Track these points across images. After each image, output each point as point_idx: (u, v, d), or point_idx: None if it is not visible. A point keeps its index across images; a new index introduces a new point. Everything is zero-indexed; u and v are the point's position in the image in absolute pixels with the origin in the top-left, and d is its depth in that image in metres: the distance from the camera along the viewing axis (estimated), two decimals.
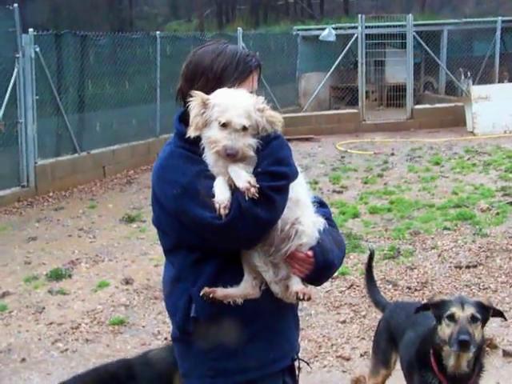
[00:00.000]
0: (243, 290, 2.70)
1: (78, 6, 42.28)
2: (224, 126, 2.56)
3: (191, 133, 2.62)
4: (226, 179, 2.59)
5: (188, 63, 2.83)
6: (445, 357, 3.77)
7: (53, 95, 13.04)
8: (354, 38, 19.92)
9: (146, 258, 8.72)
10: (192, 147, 2.68)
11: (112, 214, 11.00)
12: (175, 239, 2.78)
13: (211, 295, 2.65)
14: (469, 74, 22.51)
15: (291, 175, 2.63)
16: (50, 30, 14.11)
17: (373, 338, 4.89)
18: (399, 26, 21.14)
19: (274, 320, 2.82)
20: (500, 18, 21.70)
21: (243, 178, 2.54)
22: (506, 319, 4.19)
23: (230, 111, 2.56)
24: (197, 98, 2.62)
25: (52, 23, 32.25)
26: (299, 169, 2.72)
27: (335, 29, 20.81)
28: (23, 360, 6.07)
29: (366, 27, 20.10)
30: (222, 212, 2.52)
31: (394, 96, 22.09)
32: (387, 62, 23.00)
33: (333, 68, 20.57)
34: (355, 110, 20.15)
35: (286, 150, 2.66)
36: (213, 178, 2.62)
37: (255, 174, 2.58)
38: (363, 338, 6.24)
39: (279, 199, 2.58)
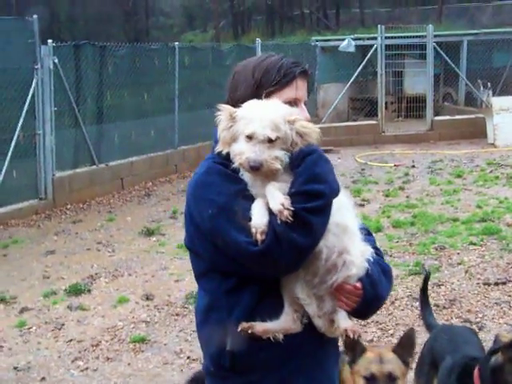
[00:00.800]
0: (284, 323, 2.50)
1: (94, 16, 42.51)
2: (249, 138, 2.39)
3: (220, 149, 2.47)
4: (265, 201, 2.40)
5: (233, 73, 2.69)
6: None
7: (71, 106, 12.95)
8: (373, 49, 19.76)
9: (166, 273, 8.57)
10: (231, 164, 2.50)
11: (130, 227, 10.87)
12: (209, 263, 2.58)
13: (250, 330, 2.46)
14: (489, 84, 22.29)
15: (329, 193, 2.41)
16: (67, 41, 13.99)
17: (416, 361, 4.70)
18: (419, 36, 20.96)
19: (315, 356, 2.62)
20: None
21: (277, 199, 2.35)
22: None
23: (255, 122, 2.39)
24: (224, 111, 2.47)
25: (68, 34, 32.36)
26: (345, 192, 2.52)
27: (354, 39, 20.64)
28: (43, 379, 5.93)
29: (386, 38, 19.95)
30: (259, 237, 2.33)
31: (413, 107, 21.90)
32: (406, 72, 22.82)
33: (352, 79, 20.41)
34: (374, 122, 19.97)
35: (322, 165, 2.45)
36: (252, 199, 2.44)
37: (290, 194, 2.38)
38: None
39: (317, 222, 2.37)
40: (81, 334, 6.82)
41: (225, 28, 52.69)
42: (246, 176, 2.47)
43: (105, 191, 13.30)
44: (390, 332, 6.56)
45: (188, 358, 6.21)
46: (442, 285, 7.70)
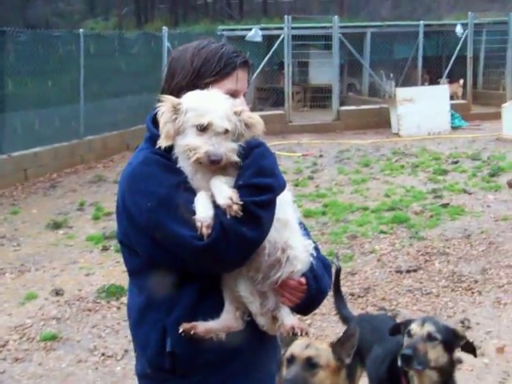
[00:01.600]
0: (225, 322, 2.40)
1: None
2: (203, 130, 2.27)
3: (162, 143, 2.31)
4: (208, 194, 2.28)
5: (170, 59, 2.56)
6: (410, 377, 3.61)
7: None
8: (280, 39, 19.80)
9: (76, 267, 8.30)
10: (168, 155, 2.37)
11: (36, 220, 10.49)
12: (146, 258, 2.43)
13: (192, 331, 2.35)
14: (391, 75, 22.81)
15: (277, 187, 2.34)
16: None
17: None
18: (324, 27, 21.18)
19: (256, 355, 2.54)
20: (422, 22, 22.04)
21: (224, 193, 2.24)
22: (475, 356, 3.95)
23: (210, 113, 2.27)
24: (166, 102, 2.32)
25: None
26: (288, 184, 2.44)
27: (261, 29, 20.65)
28: None
29: (292, 28, 20.04)
30: (205, 231, 2.22)
31: (318, 97, 22.16)
32: (311, 63, 23.08)
33: (259, 69, 20.41)
34: (281, 112, 20.04)
35: (269, 159, 2.37)
36: (194, 191, 2.31)
37: (237, 187, 2.28)
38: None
39: (266, 215, 2.29)
40: None
41: (127, 16, 51.85)
42: (185, 168, 2.35)
43: (7, 183, 12.77)
44: (308, 322, 6.53)
45: (103, 354, 6.00)
46: (356, 273, 7.77)
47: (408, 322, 3.69)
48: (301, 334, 2.40)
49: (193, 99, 2.34)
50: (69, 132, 15.11)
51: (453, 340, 3.60)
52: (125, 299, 7.02)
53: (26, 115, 14.03)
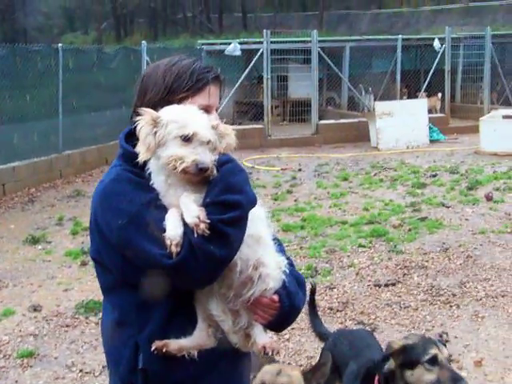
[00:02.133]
0: (198, 339, 2.39)
1: None
2: (188, 140, 2.28)
3: (143, 155, 2.30)
4: (179, 212, 2.28)
5: (142, 76, 2.56)
6: None
7: None
8: (259, 53, 19.87)
9: (54, 283, 8.25)
10: (141, 172, 2.37)
11: (14, 235, 10.42)
12: (117, 276, 2.43)
13: (164, 349, 2.34)
14: (370, 89, 22.96)
15: (245, 204, 2.32)
16: None
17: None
18: (303, 41, 21.30)
19: (229, 368, 2.54)
20: (400, 36, 22.22)
21: (192, 212, 2.23)
22: None
23: (193, 124, 2.29)
24: (146, 115, 2.32)
25: None
26: (259, 200, 2.43)
27: (240, 43, 20.72)
28: None
29: (271, 42, 20.13)
30: (174, 250, 2.21)
31: (297, 111, 22.25)
32: (290, 77, 23.18)
33: (238, 83, 20.45)
34: (260, 126, 20.11)
35: (238, 175, 2.37)
36: (165, 209, 2.31)
37: (205, 204, 2.28)
38: (289, 363, 6.03)
39: (234, 233, 2.28)
40: None
41: (107, 30, 51.87)
42: (158, 184, 2.35)
43: None
44: (286, 337, 6.54)
45: (80, 371, 5.95)
46: (335, 288, 7.78)
47: (413, 348, 3.51)
48: (272, 354, 2.40)
49: (172, 112, 2.34)
50: (47, 146, 15.05)
51: None
52: None
53: (4, 129, 13.98)
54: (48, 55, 15.34)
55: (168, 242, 2.22)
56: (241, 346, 2.45)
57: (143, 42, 19.11)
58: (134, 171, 2.38)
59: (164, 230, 2.24)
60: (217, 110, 2.60)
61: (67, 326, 6.92)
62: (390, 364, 3.55)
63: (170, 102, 2.43)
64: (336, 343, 4.42)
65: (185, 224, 2.25)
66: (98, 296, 7.39)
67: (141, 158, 2.31)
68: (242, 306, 2.41)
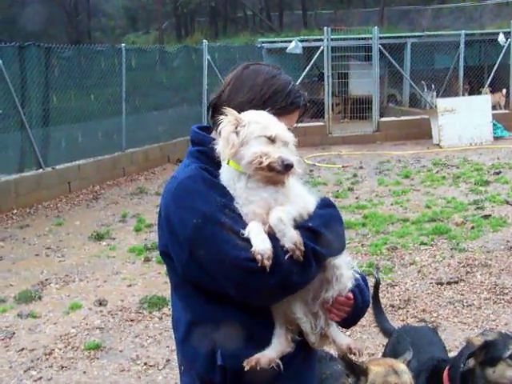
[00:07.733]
0: (279, 347, 2.40)
1: (34, 17, 41.69)
2: (271, 140, 2.33)
3: (227, 153, 2.32)
4: (260, 225, 2.29)
5: (239, 73, 2.58)
6: None
7: (16, 109, 12.64)
8: (320, 51, 19.83)
9: (119, 278, 8.43)
10: (216, 170, 2.41)
11: (80, 232, 10.67)
12: (180, 272, 2.44)
13: (258, 367, 2.34)
14: (432, 86, 22.66)
15: (335, 251, 2.42)
16: (5, 42, 13.60)
17: None
18: (364, 38, 21.17)
19: (301, 367, 2.56)
20: (463, 31, 21.86)
21: (290, 237, 2.25)
22: None
23: (275, 126, 2.35)
24: (230, 115, 2.36)
25: (7, 35, 31.64)
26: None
27: (301, 41, 20.71)
28: None
29: (332, 40, 20.07)
30: (266, 263, 2.21)
31: (358, 109, 22.09)
32: (351, 74, 23.02)
33: (299, 81, 20.43)
34: (321, 123, 20.06)
35: (339, 223, 2.48)
36: (239, 215, 2.34)
37: (304, 226, 2.33)
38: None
39: (316, 268, 2.34)
40: (32, 342, 6.62)
41: (168, 30, 52.37)
42: (236, 193, 2.37)
43: (52, 195, 13.02)
44: (347, 333, 6.54)
45: (145, 364, 6.09)
46: (396, 285, 7.75)
47: (494, 344, 3.46)
48: (358, 355, 2.44)
49: (254, 115, 2.39)
50: (111, 145, 15.37)
51: None
52: (167, 310, 7.12)
53: (70, 129, 14.30)
54: (111, 55, 15.65)
55: (259, 257, 2.22)
56: (317, 345, 2.49)
57: (204, 40, 19.25)
58: (209, 169, 2.42)
59: (238, 234, 2.27)
60: None
61: (131, 320, 7.07)
62: (469, 361, 3.51)
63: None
64: (399, 340, 4.42)
65: (270, 238, 2.27)
66: (162, 291, 7.54)
67: (225, 157, 2.34)
68: (321, 306, 2.44)
